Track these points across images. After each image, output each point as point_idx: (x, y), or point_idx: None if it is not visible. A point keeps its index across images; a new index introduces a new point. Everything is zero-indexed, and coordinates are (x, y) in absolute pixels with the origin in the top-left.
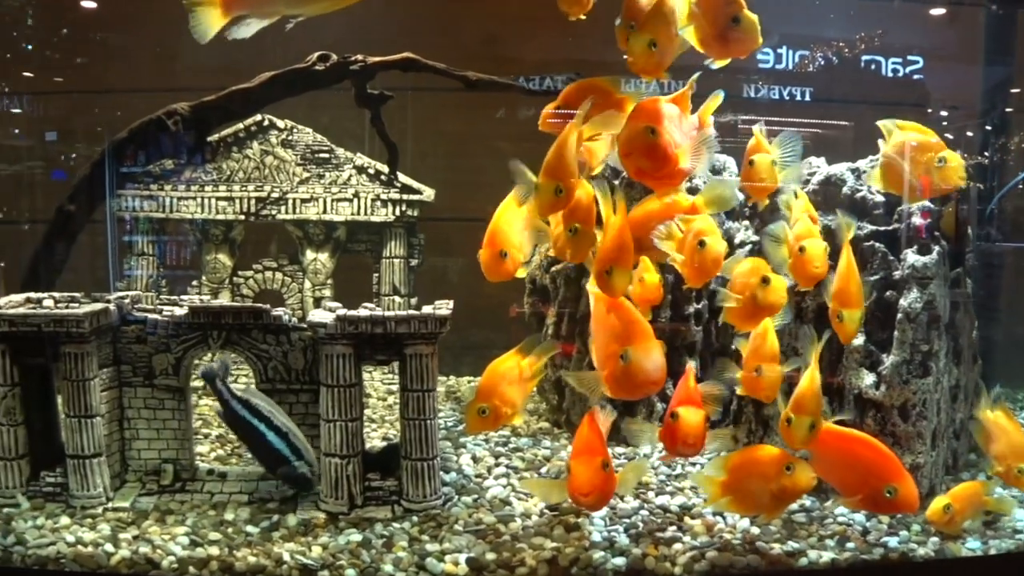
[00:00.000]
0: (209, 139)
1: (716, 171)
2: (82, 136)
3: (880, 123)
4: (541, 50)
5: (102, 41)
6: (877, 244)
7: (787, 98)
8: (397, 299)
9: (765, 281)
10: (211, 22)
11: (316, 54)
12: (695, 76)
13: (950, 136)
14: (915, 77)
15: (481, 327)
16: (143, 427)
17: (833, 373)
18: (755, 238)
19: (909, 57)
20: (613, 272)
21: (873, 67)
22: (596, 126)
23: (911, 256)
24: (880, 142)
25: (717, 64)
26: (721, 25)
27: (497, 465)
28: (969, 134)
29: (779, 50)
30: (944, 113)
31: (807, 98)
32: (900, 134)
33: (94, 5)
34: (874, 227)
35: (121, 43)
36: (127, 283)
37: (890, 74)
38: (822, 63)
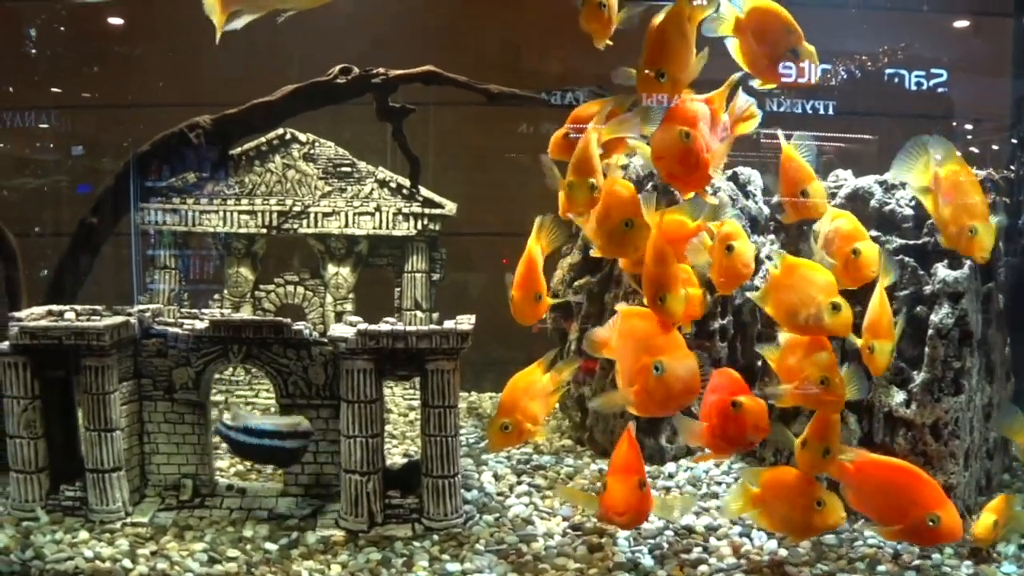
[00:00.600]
0: (231, 152)
1: (741, 185)
2: (108, 150)
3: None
4: (563, 63)
5: (127, 56)
6: (907, 258)
7: (810, 112)
8: (419, 314)
9: (836, 308)
10: (217, 18)
11: (338, 67)
12: (735, 77)
13: (975, 149)
14: (940, 90)
15: (502, 343)
16: (163, 441)
17: None
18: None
19: (933, 70)
20: (667, 298)
21: (896, 80)
22: (615, 129)
23: (942, 270)
24: (935, 163)
25: (764, 87)
26: (779, 55)
27: (519, 483)
28: (995, 147)
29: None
30: (969, 126)
31: (830, 111)
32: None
33: (120, 21)
34: (903, 241)
35: (145, 57)
36: (150, 296)
37: (914, 87)
38: (845, 76)
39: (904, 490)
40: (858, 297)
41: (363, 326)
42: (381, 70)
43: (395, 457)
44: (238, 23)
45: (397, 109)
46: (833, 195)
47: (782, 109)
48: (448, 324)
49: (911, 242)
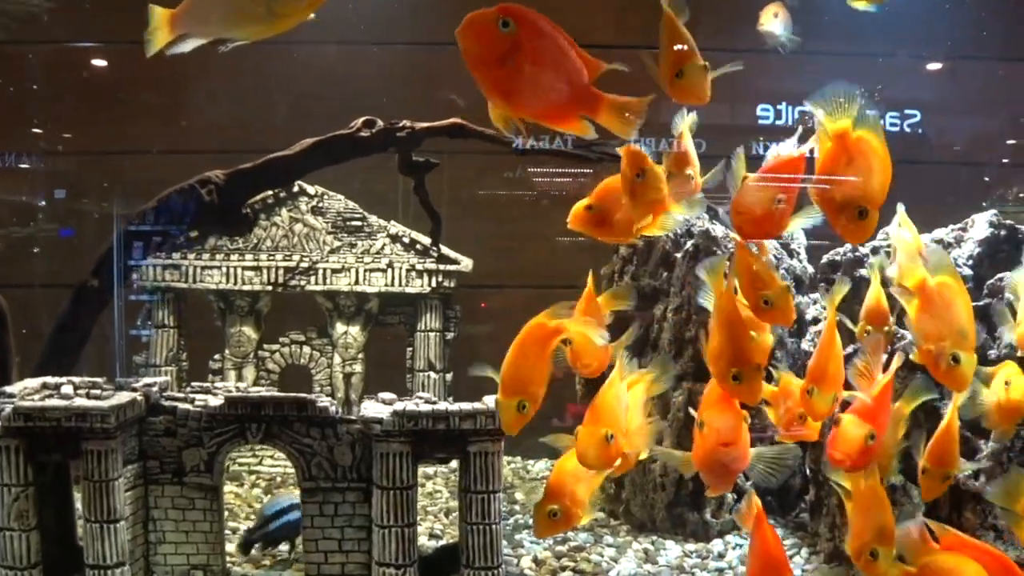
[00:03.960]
0: (244, 211)
1: (784, 243)
2: (92, 193)
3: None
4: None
5: (113, 99)
6: None
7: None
8: (432, 375)
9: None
10: (160, 37)
11: (361, 119)
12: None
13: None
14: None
15: None
16: (170, 529)
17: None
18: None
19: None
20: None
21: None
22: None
23: (1007, 335)
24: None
25: None
26: None
27: (562, 569)
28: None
29: (778, 106)
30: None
31: (814, 154)
32: None
33: (104, 63)
34: None
35: (132, 101)
36: (145, 357)
37: (890, 127)
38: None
39: None
40: None
41: (399, 405)
42: (406, 123)
43: (421, 537)
44: (185, 47)
45: (421, 163)
46: (883, 252)
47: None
48: (489, 400)
49: (972, 303)
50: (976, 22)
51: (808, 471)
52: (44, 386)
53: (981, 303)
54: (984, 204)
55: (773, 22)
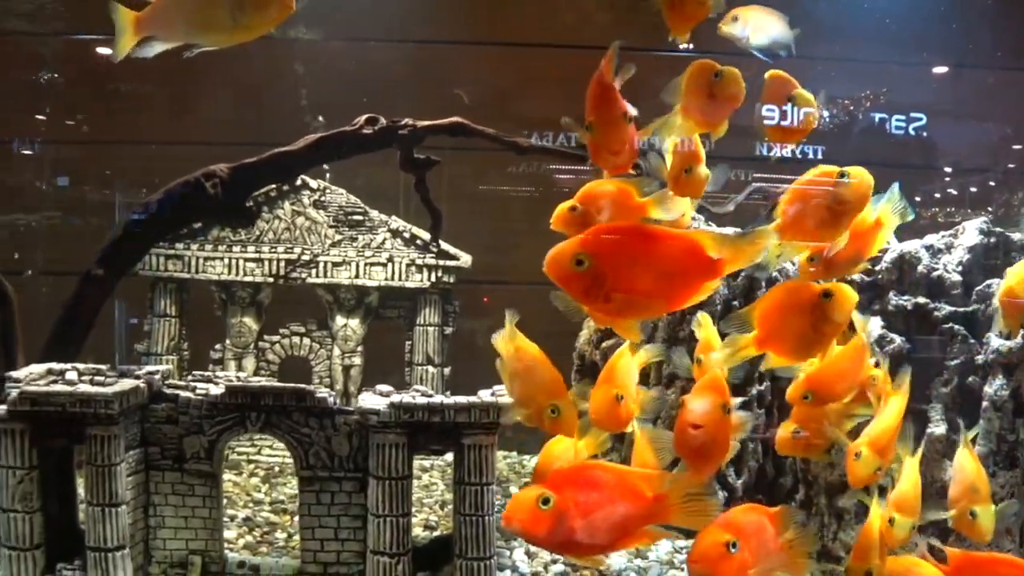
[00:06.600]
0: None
1: None
2: (95, 182)
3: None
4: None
5: (118, 90)
6: (956, 326)
7: (799, 156)
8: (431, 369)
9: None
10: (126, 39)
11: (364, 117)
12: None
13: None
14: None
15: None
16: (170, 515)
17: None
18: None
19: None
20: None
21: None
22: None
23: (995, 340)
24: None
25: None
26: None
27: (554, 561)
28: (973, 189)
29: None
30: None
31: (819, 156)
32: None
33: (109, 51)
34: (952, 308)
35: (137, 92)
36: (147, 345)
37: (896, 131)
38: (831, 121)
39: None
40: None
41: (396, 397)
42: (408, 120)
43: (416, 528)
44: (149, 51)
45: (422, 160)
46: (875, 260)
47: (771, 153)
48: (484, 394)
49: (960, 309)
50: (978, 30)
51: (799, 470)
52: (49, 372)
53: (970, 309)
54: (989, 209)
55: (732, 25)
